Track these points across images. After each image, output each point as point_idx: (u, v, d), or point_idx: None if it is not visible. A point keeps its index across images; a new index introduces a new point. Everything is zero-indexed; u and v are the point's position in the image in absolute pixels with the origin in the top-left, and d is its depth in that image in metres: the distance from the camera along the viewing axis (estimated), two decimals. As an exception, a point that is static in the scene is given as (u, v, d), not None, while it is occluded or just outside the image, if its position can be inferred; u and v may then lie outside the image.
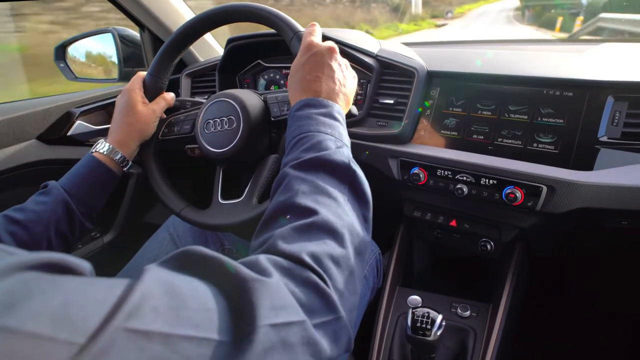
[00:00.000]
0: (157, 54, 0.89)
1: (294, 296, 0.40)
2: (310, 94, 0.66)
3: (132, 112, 0.85)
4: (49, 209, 0.74)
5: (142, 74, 0.90)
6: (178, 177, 0.96)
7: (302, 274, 0.42)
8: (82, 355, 0.25)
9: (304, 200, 0.51)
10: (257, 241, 0.49)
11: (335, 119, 0.64)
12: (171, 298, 0.32)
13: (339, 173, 0.56)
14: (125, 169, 0.85)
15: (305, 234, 0.47)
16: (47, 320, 0.25)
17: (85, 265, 0.32)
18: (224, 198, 0.87)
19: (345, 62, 0.72)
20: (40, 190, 0.78)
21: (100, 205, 0.83)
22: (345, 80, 0.70)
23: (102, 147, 0.83)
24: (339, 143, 0.60)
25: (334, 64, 0.69)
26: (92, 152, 0.82)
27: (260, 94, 0.87)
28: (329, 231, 0.48)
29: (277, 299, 0.38)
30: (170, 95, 0.92)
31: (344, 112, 0.69)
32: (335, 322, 0.43)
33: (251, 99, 0.83)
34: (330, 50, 0.70)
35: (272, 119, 0.84)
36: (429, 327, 0.83)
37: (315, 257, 0.44)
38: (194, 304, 0.33)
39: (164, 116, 0.93)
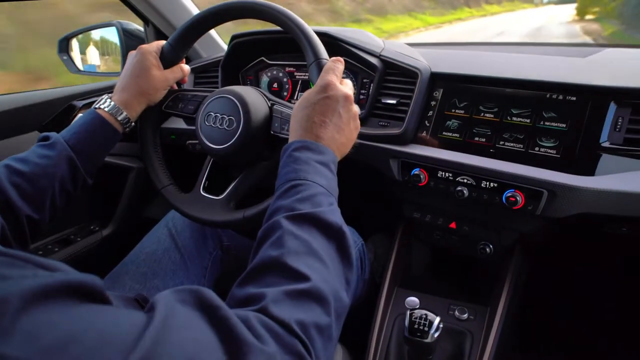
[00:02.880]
0: (182, 26, 0.87)
1: None
2: (312, 137, 0.65)
3: (145, 74, 0.84)
4: (53, 163, 0.73)
5: (162, 41, 0.89)
6: (176, 168, 0.96)
7: (290, 342, 0.44)
8: None
9: (297, 262, 0.50)
10: (243, 292, 0.49)
11: (330, 170, 0.63)
12: (176, 348, 0.33)
13: (330, 234, 0.55)
14: (127, 129, 0.84)
15: (296, 301, 0.47)
16: None
17: (99, 284, 0.34)
18: (205, 190, 0.88)
19: (355, 113, 0.70)
20: (42, 143, 0.76)
21: (101, 162, 0.83)
22: (350, 133, 0.69)
23: (106, 104, 0.81)
24: (331, 199, 0.60)
25: (345, 114, 0.68)
26: (96, 109, 0.81)
27: (269, 99, 0.85)
28: (318, 299, 0.49)
29: None
30: (187, 67, 0.91)
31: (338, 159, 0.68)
32: None
33: (257, 103, 0.82)
34: (346, 98, 0.68)
35: (272, 132, 0.83)
36: (426, 329, 0.83)
37: (303, 326, 0.45)
38: (196, 357, 0.34)
39: (175, 86, 0.92)
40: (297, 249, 0.51)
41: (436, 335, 0.83)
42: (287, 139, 0.70)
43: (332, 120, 0.66)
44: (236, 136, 0.80)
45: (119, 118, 0.82)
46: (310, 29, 0.78)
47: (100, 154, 0.82)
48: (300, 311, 0.46)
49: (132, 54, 0.87)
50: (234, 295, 0.50)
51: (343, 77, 0.99)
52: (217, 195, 0.87)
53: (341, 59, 0.74)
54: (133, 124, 0.85)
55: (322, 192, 0.59)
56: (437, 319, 0.84)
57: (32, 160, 0.73)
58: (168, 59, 0.88)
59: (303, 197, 0.57)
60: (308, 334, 0.45)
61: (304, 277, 0.49)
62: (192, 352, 0.34)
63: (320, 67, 0.74)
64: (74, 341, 0.28)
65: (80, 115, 1.22)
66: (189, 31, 0.87)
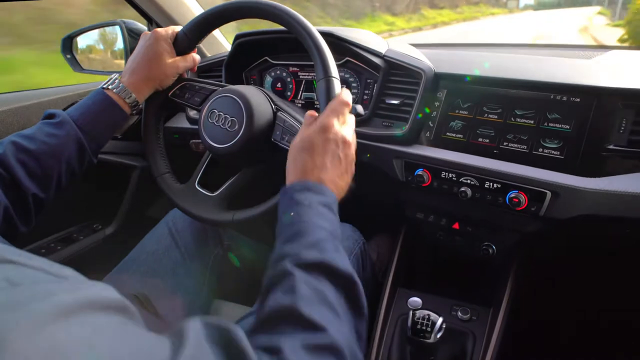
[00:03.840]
0: (197, 16, 0.87)
1: None
2: (312, 179, 0.64)
3: (157, 59, 0.83)
4: (61, 142, 0.73)
5: (177, 27, 0.88)
6: (178, 167, 0.97)
7: None
8: None
9: (311, 311, 0.48)
10: (255, 340, 0.47)
11: (333, 212, 0.62)
12: None
13: (341, 283, 0.54)
14: (134, 111, 0.84)
15: (314, 355, 0.46)
16: None
17: (130, 306, 0.35)
18: (200, 184, 0.89)
19: (353, 157, 0.70)
20: (49, 121, 0.75)
21: (106, 142, 0.82)
22: (347, 177, 0.69)
23: (115, 85, 0.81)
24: (336, 243, 0.58)
25: (344, 160, 0.67)
26: (104, 88, 0.80)
27: (274, 103, 0.85)
28: (335, 353, 0.47)
29: None
30: (197, 57, 0.91)
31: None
32: None
33: (261, 107, 0.82)
34: (346, 144, 0.68)
35: (272, 139, 0.83)
36: (429, 329, 0.83)
37: None
38: None
39: (185, 75, 0.92)
40: (310, 298, 0.50)
41: (439, 335, 0.83)
42: (287, 150, 0.70)
43: (333, 164, 0.66)
44: (237, 138, 0.80)
45: (128, 100, 0.81)
46: (323, 42, 0.77)
47: (107, 134, 0.82)
48: None
49: (145, 35, 0.86)
50: (251, 342, 0.48)
51: (347, 77, 0.99)
52: (211, 192, 0.87)
53: (348, 98, 0.72)
54: (140, 106, 0.85)
55: (327, 237, 0.58)
56: (440, 320, 0.84)
57: (39, 139, 0.72)
58: (181, 47, 0.87)
59: (309, 243, 0.56)
60: None
61: (320, 328, 0.47)
62: None
63: (328, 86, 0.74)
64: None
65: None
66: (205, 21, 0.87)
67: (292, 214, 0.60)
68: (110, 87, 0.80)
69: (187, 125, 1.21)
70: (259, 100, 0.83)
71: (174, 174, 0.93)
